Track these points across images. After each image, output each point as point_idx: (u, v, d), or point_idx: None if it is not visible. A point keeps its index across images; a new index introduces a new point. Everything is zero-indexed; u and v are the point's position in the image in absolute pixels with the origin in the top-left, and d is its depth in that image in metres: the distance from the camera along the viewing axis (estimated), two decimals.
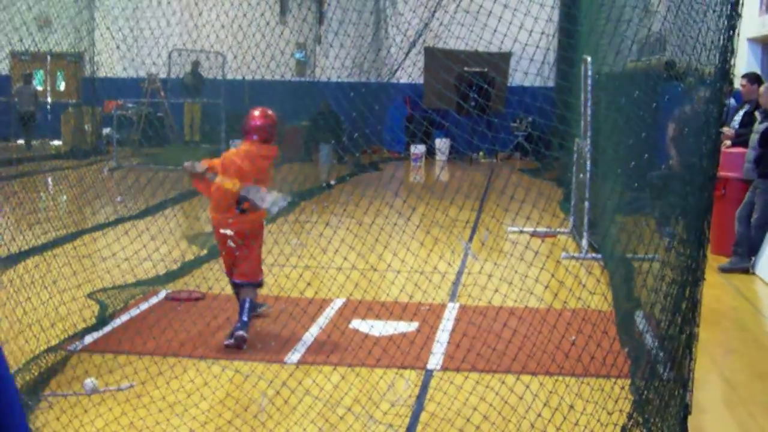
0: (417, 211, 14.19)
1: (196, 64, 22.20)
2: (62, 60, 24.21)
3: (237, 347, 7.74)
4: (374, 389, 6.87)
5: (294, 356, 7.69)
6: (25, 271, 8.18)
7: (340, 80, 18.19)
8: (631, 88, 9.69)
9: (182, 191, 15.32)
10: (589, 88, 11.63)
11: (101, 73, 18.18)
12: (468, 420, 6.20)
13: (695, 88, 6.31)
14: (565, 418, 6.14)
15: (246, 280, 7.98)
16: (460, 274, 10.64)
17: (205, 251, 11.20)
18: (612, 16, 8.35)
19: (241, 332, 7.77)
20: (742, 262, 11.29)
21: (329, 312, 8.99)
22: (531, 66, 8.60)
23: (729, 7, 4.98)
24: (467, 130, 21.81)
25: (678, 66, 7.72)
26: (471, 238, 12.83)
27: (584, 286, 8.57)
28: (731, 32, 4.90)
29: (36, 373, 6.91)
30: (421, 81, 22.49)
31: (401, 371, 7.31)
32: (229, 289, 8.52)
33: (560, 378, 6.96)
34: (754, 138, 11.45)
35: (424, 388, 7.01)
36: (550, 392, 6.63)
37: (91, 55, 18.98)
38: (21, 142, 23.25)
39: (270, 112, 8.03)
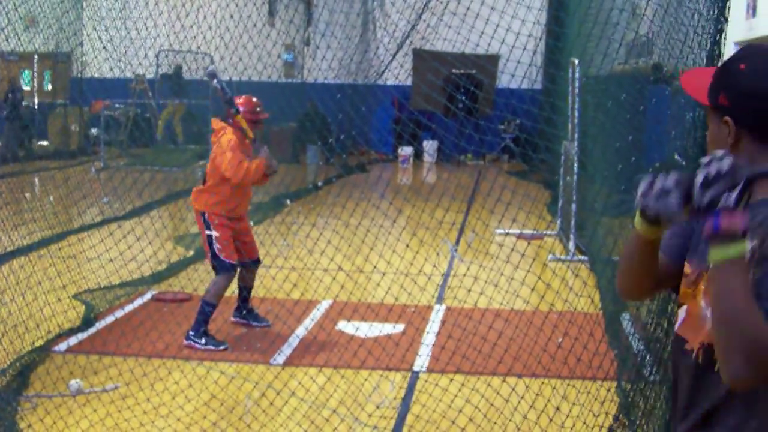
0: (403, 213, 14.19)
1: (178, 69, 22.17)
2: (49, 60, 24.09)
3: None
4: (360, 391, 6.86)
5: (280, 358, 7.68)
6: (10, 271, 8.14)
7: (327, 82, 18.17)
8: (619, 90, 9.71)
9: (169, 192, 15.28)
10: (577, 90, 11.64)
11: (88, 74, 18.13)
12: (453, 422, 6.20)
13: (682, 91, 6.32)
14: (551, 420, 6.15)
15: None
16: (446, 276, 10.64)
17: (191, 252, 11.17)
18: (599, 19, 8.36)
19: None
20: None
21: (315, 313, 8.98)
22: (518, 68, 8.61)
23: (716, 10, 5.00)
24: (455, 133, 21.82)
25: (665, 69, 7.75)
26: (458, 241, 12.83)
27: (571, 288, 8.57)
28: (718, 35, 4.91)
29: (21, 374, 6.88)
30: (408, 83, 22.49)
31: (387, 373, 7.30)
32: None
33: (546, 380, 6.96)
34: None
35: (410, 390, 7.00)
36: (536, 394, 6.63)
37: (78, 55, 18.94)
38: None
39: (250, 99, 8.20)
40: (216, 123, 8.07)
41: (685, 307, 2.56)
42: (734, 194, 2.18)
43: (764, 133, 2.41)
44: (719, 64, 2.56)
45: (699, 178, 2.21)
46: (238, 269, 8.09)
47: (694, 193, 2.21)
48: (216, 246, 7.81)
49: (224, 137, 7.88)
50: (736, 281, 2.16)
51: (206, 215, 7.87)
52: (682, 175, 2.25)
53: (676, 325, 2.59)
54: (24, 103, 21.78)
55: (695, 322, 2.49)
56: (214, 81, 7.95)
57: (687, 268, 2.58)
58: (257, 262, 8.39)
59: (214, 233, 7.83)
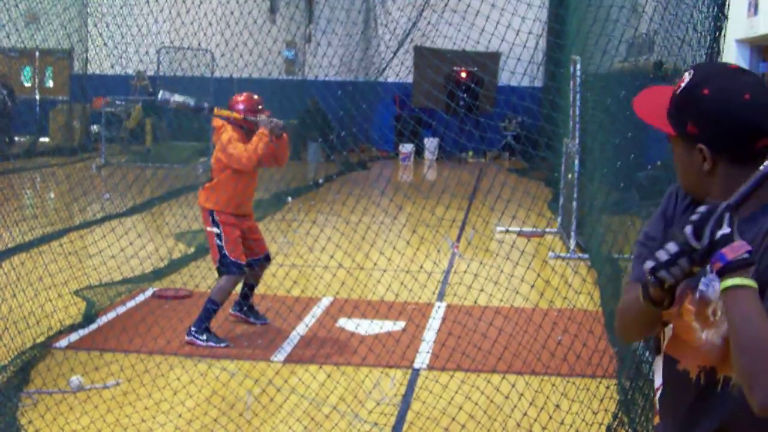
0: (404, 210, 14.19)
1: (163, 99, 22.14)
2: (51, 56, 24.10)
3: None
4: (360, 388, 6.87)
5: (280, 354, 7.69)
6: (11, 268, 8.15)
7: (328, 79, 18.17)
8: (619, 88, 9.71)
9: (170, 189, 15.29)
10: (578, 87, 11.64)
11: (90, 70, 18.16)
12: (454, 419, 6.21)
13: None
14: (551, 417, 6.16)
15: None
16: (447, 273, 10.65)
17: (192, 249, 11.18)
18: (600, 16, 8.37)
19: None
20: None
21: (316, 310, 8.99)
22: (519, 66, 8.61)
23: (715, 8, 5.01)
24: (456, 130, 21.82)
25: (665, 67, 7.75)
26: (458, 238, 12.84)
27: (571, 285, 8.58)
28: (717, 33, 4.93)
29: (21, 370, 6.90)
30: (410, 80, 22.49)
31: (387, 370, 7.31)
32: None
33: (546, 377, 6.97)
34: None
35: (410, 386, 7.01)
36: (536, 391, 6.64)
37: (79, 51, 18.96)
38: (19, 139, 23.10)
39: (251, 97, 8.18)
40: (216, 121, 8.10)
41: (670, 326, 2.54)
42: (725, 227, 2.21)
43: (739, 154, 2.39)
44: (675, 89, 2.48)
45: (689, 231, 2.23)
46: (246, 268, 8.08)
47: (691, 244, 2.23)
48: (225, 246, 7.82)
49: (224, 135, 7.91)
50: (752, 308, 2.17)
51: (215, 214, 7.87)
52: (676, 236, 2.27)
53: (664, 344, 2.57)
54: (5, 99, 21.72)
55: (686, 343, 2.48)
56: (171, 102, 7.99)
57: None
58: (268, 258, 8.40)
59: (223, 233, 7.84)
